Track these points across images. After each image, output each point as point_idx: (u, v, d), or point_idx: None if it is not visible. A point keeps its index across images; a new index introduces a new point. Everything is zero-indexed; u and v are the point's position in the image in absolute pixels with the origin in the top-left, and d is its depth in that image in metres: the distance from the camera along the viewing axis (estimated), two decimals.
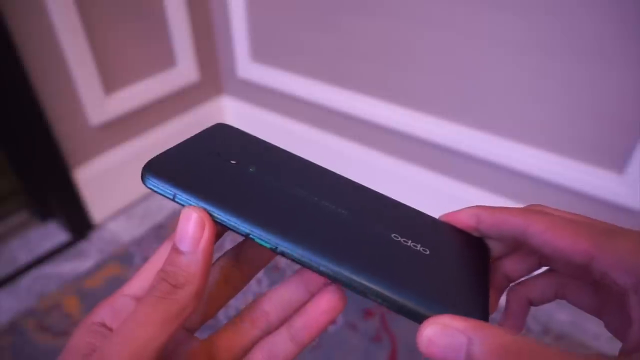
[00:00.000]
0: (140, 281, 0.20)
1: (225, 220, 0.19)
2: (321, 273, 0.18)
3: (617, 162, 0.64)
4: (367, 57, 0.81)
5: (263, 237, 0.19)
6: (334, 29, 0.82)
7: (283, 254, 0.19)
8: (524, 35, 0.63)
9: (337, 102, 0.89)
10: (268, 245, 0.19)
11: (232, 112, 1.11)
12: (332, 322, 0.21)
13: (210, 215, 0.19)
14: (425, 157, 0.84)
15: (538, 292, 0.22)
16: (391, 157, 0.89)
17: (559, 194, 0.71)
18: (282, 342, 0.21)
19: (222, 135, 0.23)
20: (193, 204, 0.19)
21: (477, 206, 0.22)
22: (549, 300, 0.22)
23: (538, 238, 0.19)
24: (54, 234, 0.88)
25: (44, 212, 0.89)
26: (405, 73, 0.78)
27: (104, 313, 0.19)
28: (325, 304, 0.20)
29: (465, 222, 0.22)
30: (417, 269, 0.19)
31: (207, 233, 0.19)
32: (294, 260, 0.19)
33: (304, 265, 0.19)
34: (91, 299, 0.75)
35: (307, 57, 0.89)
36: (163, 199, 0.97)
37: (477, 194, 0.80)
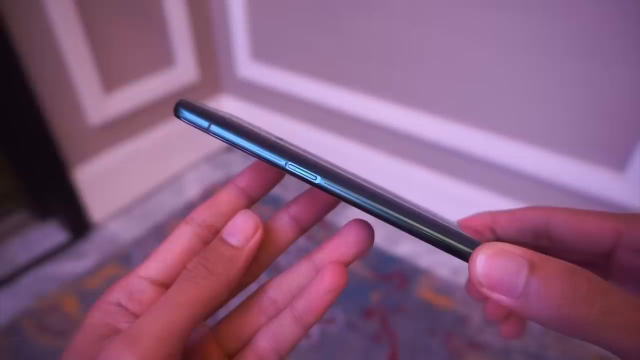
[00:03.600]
0: (156, 263, 0.20)
1: (263, 151, 0.18)
2: (351, 196, 0.17)
3: (618, 161, 0.64)
4: (367, 56, 0.81)
5: (302, 165, 0.17)
6: (334, 28, 0.82)
7: (323, 186, 0.17)
8: (526, 35, 0.63)
9: (337, 102, 0.89)
10: (306, 175, 0.18)
11: (232, 111, 1.11)
12: (335, 299, 0.20)
13: (247, 149, 0.18)
14: (425, 156, 0.84)
15: None
16: (392, 157, 0.89)
17: (559, 193, 0.71)
18: (287, 326, 0.21)
19: None
20: (229, 135, 0.18)
21: (487, 211, 0.22)
22: None
23: (562, 225, 0.19)
24: (53, 233, 0.87)
25: (43, 212, 0.89)
26: (405, 72, 0.78)
27: (118, 294, 0.19)
28: (328, 283, 0.20)
29: (481, 222, 0.22)
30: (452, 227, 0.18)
31: (258, 235, 0.19)
32: (338, 193, 0.17)
33: (347, 196, 0.17)
34: (91, 299, 0.75)
35: (308, 56, 0.89)
36: (163, 198, 0.97)
37: (477, 194, 0.80)
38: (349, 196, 0.17)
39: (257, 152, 0.18)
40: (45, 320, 0.72)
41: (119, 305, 0.19)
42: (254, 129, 0.19)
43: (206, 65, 1.03)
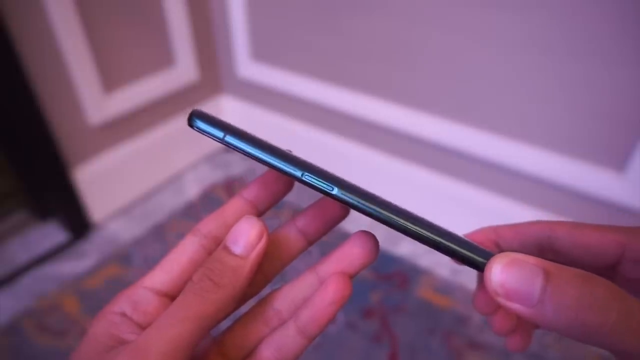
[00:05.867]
0: (162, 274, 0.20)
1: (279, 162, 0.18)
2: (366, 205, 0.18)
3: (618, 161, 0.64)
4: (367, 56, 0.81)
5: (319, 176, 0.18)
6: (334, 28, 0.82)
7: (339, 197, 0.18)
8: (526, 35, 0.63)
9: (337, 102, 0.89)
10: (323, 186, 0.18)
11: (232, 111, 1.11)
12: (339, 310, 0.20)
13: (262, 159, 0.18)
14: (425, 156, 0.84)
15: None
16: (392, 157, 0.89)
17: (559, 193, 0.71)
18: (290, 337, 0.20)
19: None
20: (244, 146, 0.18)
21: (490, 226, 0.22)
22: None
23: (566, 239, 0.19)
24: (53, 233, 0.87)
25: (43, 212, 0.89)
26: (405, 72, 0.78)
27: (123, 304, 0.19)
28: (332, 294, 0.20)
29: (485, 237, 0.22)
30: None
31: (262, 243, 0.19)
32: (354, 203, 0.18)
33: (363, 207, 0.18)
34: (91, 299, 0.75)
35: (308, 56, 0.89)
36: (163, 198, 0.97)
37: (477, 194, 0.80)
38: (364, 207, 0.18)
39: (273, 163, 0.18)
40: (45, 320, 0.72)
41: (124, 315, 0.19)
42: (267, 140, 0.19)
43: (206, 65, 1.03)
